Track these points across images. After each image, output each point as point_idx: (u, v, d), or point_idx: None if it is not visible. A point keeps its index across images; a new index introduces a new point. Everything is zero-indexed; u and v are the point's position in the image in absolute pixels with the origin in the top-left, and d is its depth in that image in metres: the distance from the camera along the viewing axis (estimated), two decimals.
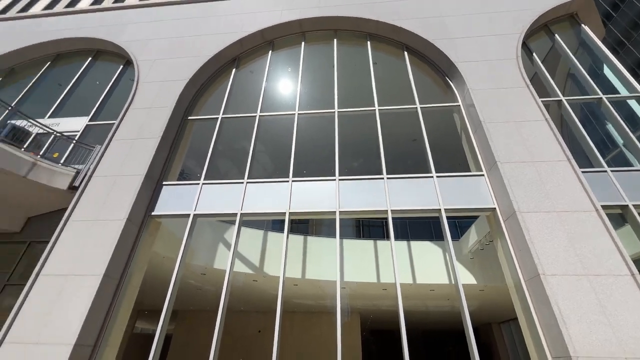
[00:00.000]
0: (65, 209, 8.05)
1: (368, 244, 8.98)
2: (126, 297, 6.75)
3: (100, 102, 10.41)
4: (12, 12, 14.52)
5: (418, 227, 8.21)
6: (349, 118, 8.79)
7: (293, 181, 7.57)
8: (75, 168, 7.98)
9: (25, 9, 14.69)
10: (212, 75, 10.46)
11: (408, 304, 5.80)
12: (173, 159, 8.72)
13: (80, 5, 14.11)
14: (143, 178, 7.60)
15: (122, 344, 6.69)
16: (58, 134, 8.44)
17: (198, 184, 7.95)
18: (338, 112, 8.72)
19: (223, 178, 8.10)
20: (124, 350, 7.23)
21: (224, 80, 10.34)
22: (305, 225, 10.29)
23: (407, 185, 7.12)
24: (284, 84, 10.32)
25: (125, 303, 6.72)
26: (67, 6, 14.22)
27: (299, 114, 8.91)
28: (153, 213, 7.66)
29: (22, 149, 7.47)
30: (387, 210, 6.75)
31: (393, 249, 6.25)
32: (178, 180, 8.46)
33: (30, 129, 8.67)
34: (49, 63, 12.24)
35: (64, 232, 7.00)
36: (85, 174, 7.86)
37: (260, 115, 9.08)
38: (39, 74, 11.73)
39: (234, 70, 10.50)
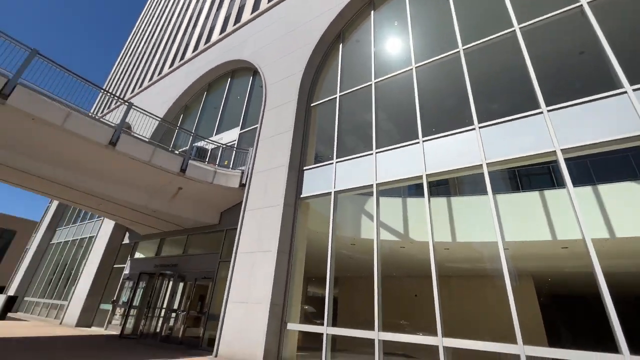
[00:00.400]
0: (241, 202, 10.18)
1: (531, 196, 7.46)
2: (297, 268, 8.04)
3: (244, 112, 12.53)
4: (176, 63, 19.10)
5: (608, 164, 6.14)
6: (479, 52, 7.35)
7: (424, 141, 7.04)
8: (240, 169, 9.95)
9: (182, 56, 19.03)
10: (323, 57, 10.77)
11: (608, 264, 4.50)
12: (307, 145, 9.59)
13: (213, 38, 17.12)
14: (287, 168, 8.73)
15: (302, 304, 8.07)
16: (224, 146, 10.67)
17: (332, 163, 8.50)
18: (463, 49, 7.43)
19: (353, 153, 8.35)
20: (304, 310, 8.72)
21: (335, 58, 10.48)
22: (445, 186, 9.49)
23: (582, 113, 5.41)
24: (393, 42, 9.56)
25: (297, 272, 8.02)
26: (205, 42, 17.48)
27: (416, 67, 8.11)
28: (301, 196, 8.73)
29: (205, 163, 9.82)
30: (554, 151, 5.37)
31: (573, 196, 4.96)
32: (315, 163, 9.28)
33: (207, 147, 11.37)
34: (205, 93, 15.61)
35: (245, 220, 8.91)
36: (248, 173, 9.68)
37: (375, 82, 8.78)
38: (202, 103, 15.13)
39: (340, 46, 10.48)
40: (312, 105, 10.22)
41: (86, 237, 16.46)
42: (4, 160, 7.44)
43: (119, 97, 8.13)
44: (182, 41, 20.78)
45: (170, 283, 10.72)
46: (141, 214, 10.38)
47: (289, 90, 10.30)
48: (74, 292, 13.83)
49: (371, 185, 7.40)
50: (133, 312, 10.85)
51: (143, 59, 24.61)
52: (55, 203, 21.14)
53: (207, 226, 10.97)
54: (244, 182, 9.69)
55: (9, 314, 15.78)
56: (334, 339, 6.71)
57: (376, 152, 7.73)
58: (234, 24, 15.98)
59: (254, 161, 9.75)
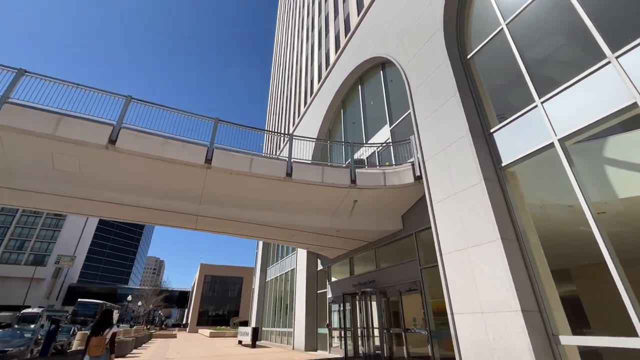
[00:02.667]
0: (421, 199, 8.87)
1: None
2: (536, 257, 5.84)
3: (387, 107, 11.59)
4: (315, 88, 20.73)
5: None
6: None
7: None
8: (409, 162, 8.77)
9: (319, 79, 20.51)
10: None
11: None
12: (482, 105, 7.53)
13: (334, 53, 17.62)
14: (469, 137, 6.91)
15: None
16: (381, 145, 9.86)
17: (534, 106, 6.13)
18: None
19: (551, 86, 5.78)
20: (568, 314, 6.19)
21: None
22: None
23: None
24: None
25: (539, 263, 5.80)
26: (336, 51, 18.04)
27: None
28: (503, 164, 6.63)
29: (365, 167, 9.18)
30: None
31: None
32: (500, 122, 7.04)
33: (362, 157, 10.90)
34: (341, 110, 15.79)
35: (436, 214, 7.47)
36: (419, 162, 8.37)
37: None
38: (342, 123, 15.26)
39: None
40: (468, 58, 8.17)
41: (289, 271, 18.86)
42: (215, 214, 8.98)
43: (281, 133, 8.65)
44: (312, 69, 22.59)
45: (374, 300, 10.23)
46: (328, 236, 10.62)
47: (433, 56, 8.68)
48: (294, 320, 15.62)
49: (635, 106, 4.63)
50: (349, 333, 10.87)
51: (291, 94, 28.14)
52: (260, 248, 25.87)
53: (392, 234, 10.12)
54: (418, 173, 8.40)
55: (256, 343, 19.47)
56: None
57: (615, 56, 4.95)
58: (351, 30, 15.90)
59: (421, 147, 8.38)
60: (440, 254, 7.10)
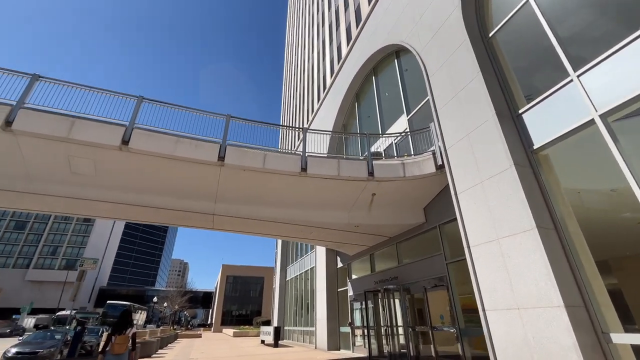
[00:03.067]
0: (444, 190, 8.40)
1: None
2: (577, 247, 5.29)
3: (403, 96, 11.13)
4: (327, 83, 20.42)
5: None
6: None
7: None
8: (430, 151, 8.31)
9: (331, 72, 20.21)
10: None
11: None
12: (507, 85, 6.98)
13: (349, 41, 17.23)
14: (496, 119, 6.40)
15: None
16: (399, 135, 9.43)
17: (567, 81, 5.56)
18: None
19: (585, 61, 5.20)
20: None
21: None
22: None
23: None
24: None
25: (582, 254, 5.24)
26: (348, 42, 17.71)
27: None
28: (535, 147, 6.08)
29: (383, 158, 8.77)
30: None
31: None
32: (528, 102, 6.48)
33: (379, 150, 10.49)
34: (355, 104, 15.39)
35: (462, 205, 7.00)
36: (440, 150, 7.89)
37: None
38: (357, 118, 14.87)
39: None
40: (489, 36, 7.62)
41: (308, 269, 18.66)
42: (231, 212, 8.84)
43: (294, 127, 8.41)
44: (324, 65, 22.27)
45: (397, 297, 9.82)
46: (346, 232, 10.29)
47: (451, 37, 8.17)
48: (316, 318, 15.39)
49: None
50: (372, 332, 10.51)
51: (304, 92, 28.02)
52: (279, 247, 25.85)
53: (414, 228, 9.67)
54: (440, 162, 7.92)
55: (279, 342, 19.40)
56: None
57: None
58: (363, 20, 15.48)
59: (442, 134, 7.90)
60: (468, 247, 6.63)
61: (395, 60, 12.23)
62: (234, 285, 54.29)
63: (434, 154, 8.19)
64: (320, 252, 15.99)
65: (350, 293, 13.15)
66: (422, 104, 9.86)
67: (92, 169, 7.32)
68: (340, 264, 14.86)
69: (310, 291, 18.04)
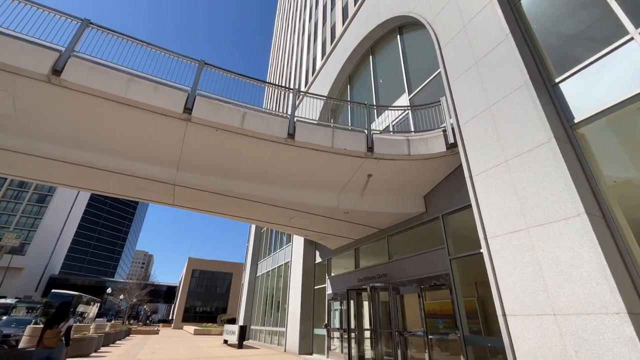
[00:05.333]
0: (449, 175, 7.31)
1: None
2: (630, 243, 4.26)
3: (405, 73, 10.01)
4: (322, 61, 18.99)
5: None
6: None
7: None
8: (441, 128, 7.15)
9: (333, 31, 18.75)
10: None
11: None
12: (538, 49, 5.95)
13: (349, 14, 15.93)
14: (530, 86, 5.32)
15: None
16: (408, 107, 8.27)
17: (628, 39, 4.56)
18: None
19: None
20: None
21: None
22: None
23: None
24: None
25: (635, 251, 4.21)
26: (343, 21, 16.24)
27: None
28: (575, 121, 5.04)
29: (392, 133, 7.54)
30: None
31: None
32: (564, 72, 5.46)
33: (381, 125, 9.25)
34: (348, 86, 14.12)
35: (478, 189, 5.87)
36: (453, 127, 6.75)
37: None
38: (349, 98, 13.59)
39: None
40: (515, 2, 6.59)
41: (282, 264, 17.14)
42: (197, 184, 7.23)
43: (283, 87, 6.95)
44: (315, 47, 20.88)
45: (384, 298, 8.60)
46: (332, 220, 8.94)
47: (470, 1, 7.09)
48: (287, 318, 13.91)
49: None
50: (354, 335, 9.21)
51: (291, 77, 26.38)
52: (251, 241, 24.09)
53: (410, 219, 8.50)
54: (452, 140, 6.78)
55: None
56: None
57: None
58: None
59: (455, 109, 6.77)
60: (485, 238, 5.49)
61: (398, 37, 11.10)
62: (200, 280, 51.41)
63: (444, 131, 7.04)
64: (298, 244, 14.55)
65: (329, 291, 11.82)
66: (429, 79, 8.74)
67: (11, 106, 5.48)
68: (319, 259, 13.49)
69: (283, 288, 16.53)
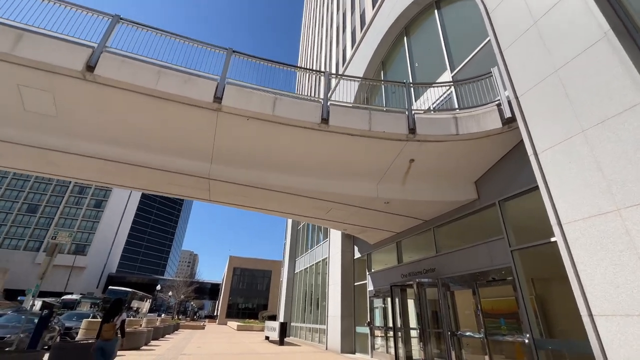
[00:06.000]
0: (508, 154, 6.43)
1: None
2: None
3: (446, 50, 9.14)
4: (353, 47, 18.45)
5: None
6: None
7: None
8: (495, 101, 6.30)
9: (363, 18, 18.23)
10: None
11: None
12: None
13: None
14: (613, 35, 4.38)
15: None
16: (452, 83, 7.47)
17: None
18: None
19: None
20: None
21: None
22: None
23: None
24: None
25: None
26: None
27: None
28: None
29: (433, 111, 6.81)
30: None
31: None
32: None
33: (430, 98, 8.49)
34: (382, 71, 13.36)
35: (546, 168, 5.00)
36: (509, 99, 5.88)
37: None
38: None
39: None
40: None
41: (320, 261, 16.84)
42: (231, 177, 7.05)
43: (315, 70, 6.54)
44: (344, 38, 20.33)
45: (437, 294, 7.87)
46: (372, 212, 8.38)
47: None
48: (327, 316, 13.56)
49: None
50: (400, 334, 8.58)
51: (321, 67, 26.03)
52: (288, 237, 24.13)
53: (459, 208, 7.69)
54: (509, 114, 5.91)
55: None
56: None
57: None
58: None
59: (511, 79, 5.89)
60: (559, 224, 4.64)
61: (435, 12, 10.19)
62: (241, 277, 53.06)
63: (498, 105, 6.18)
64: (335, 239, 14.12)
65: (370, 288, 11.25)
66: (475, 52, 7.84)
67: (52, 105, 5.62)
68: (358, 255, 12.96)
69: (321, 285, 16.21)
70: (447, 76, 8.82)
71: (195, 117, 5.96)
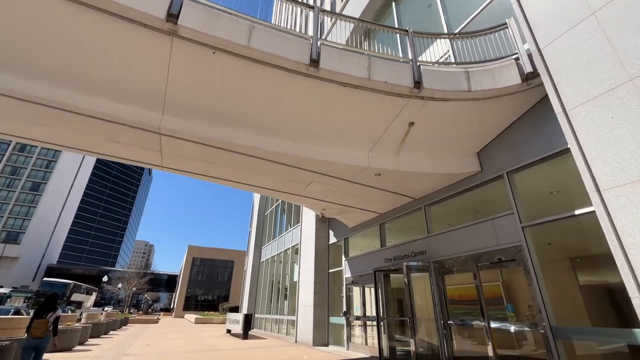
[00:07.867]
0: (521, 118, 5.64)
1: None
2: None
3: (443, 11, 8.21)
4: None
5: None
6: None
7: None
8: (513, 55, 5.43)
9: None
10: None
11: None
12: None
13: None
14: None
15: None
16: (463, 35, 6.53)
17: None
18: None
19: None
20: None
21: None
22: None
23: None
24: None
25: None
26: None
27: None
28: None
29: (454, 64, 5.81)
30: None
31: None
32: None
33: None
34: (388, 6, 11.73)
35: (578, 127, 4.22)
36: (530, 53, 5.03)
37: None
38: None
39: None
40: None
41: (289, 247, 15.64)
42: (189, 133, 5.56)
43: (301, 3, 5.24)
44: None
45: (421, 279, 7.06)
46: (358, 186, 7.32)
47: None
48: (297, 306, 12.46)
49: None
50: (382, 324, 7.72)
51: None
52: (255, 225, 22.57)
53: (457, 183, 6.88)
54: (529, 69, 5.08)
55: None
56: None
57: None
58: None
59: (531, 30, 5.05)
60: (598, 191, 3.87)
61: None
62: (201, 268, 50.26)
63: (517, 59, 5.33)
64: (308, 223, 12.99)
65: (347, 275, 10.31)
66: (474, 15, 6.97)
67: None
68: (333, 239, 11.95)
69: (290, 273, 15.06)
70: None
71: (142, 42, 4.38)
